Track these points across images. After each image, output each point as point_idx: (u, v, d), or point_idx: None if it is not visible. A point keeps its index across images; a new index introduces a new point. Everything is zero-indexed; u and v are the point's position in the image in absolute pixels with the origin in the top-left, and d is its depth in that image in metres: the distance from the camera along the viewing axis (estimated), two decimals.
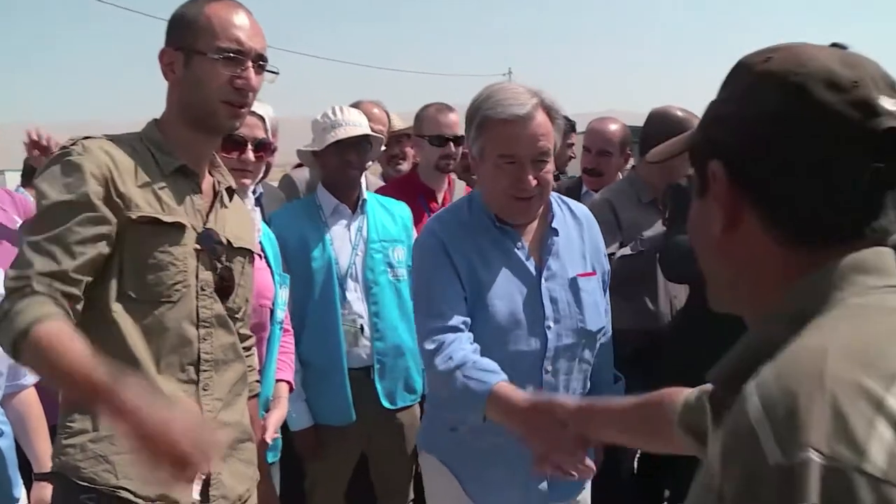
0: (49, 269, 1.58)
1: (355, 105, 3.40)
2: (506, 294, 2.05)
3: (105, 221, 1.65)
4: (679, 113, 3.34)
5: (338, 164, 2.86)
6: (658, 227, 3.27)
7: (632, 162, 4.10)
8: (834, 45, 0.91)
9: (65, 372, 1.49)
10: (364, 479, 2.97)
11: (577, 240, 2.21)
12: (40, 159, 2.69)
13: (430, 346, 1.98)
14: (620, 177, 3.84)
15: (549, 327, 2.07)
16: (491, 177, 2.06)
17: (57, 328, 1.52)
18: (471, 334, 2.00)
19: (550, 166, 2.07)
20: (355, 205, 2.92)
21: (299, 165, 4.29)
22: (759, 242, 0.89)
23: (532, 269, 2.10)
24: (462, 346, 1.95)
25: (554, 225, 2.16)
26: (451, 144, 3.42)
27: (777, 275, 0.88)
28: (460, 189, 3.69)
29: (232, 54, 1.74)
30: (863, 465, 0.65)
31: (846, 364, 0.71)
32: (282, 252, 2.65)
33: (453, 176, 3.62)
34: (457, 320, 2.00)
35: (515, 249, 2.10)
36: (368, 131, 2.89)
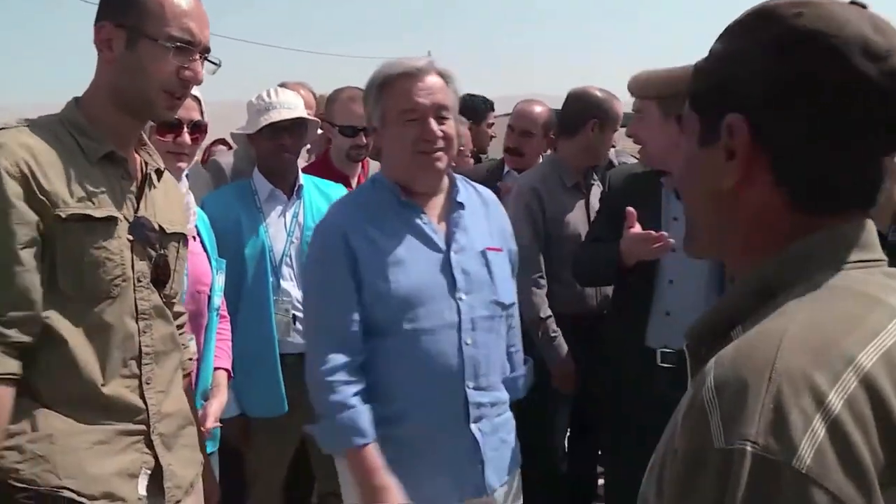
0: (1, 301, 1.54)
1: (281, 87, 3.31)
2: (411, 267, 2.03)
3: (31, 223, 1.57)
4: (598, 93, 3.41)
5: (271, 148, 2.79)
6: (581, 209, 3.36)
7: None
8: (853, 2, 0.87)
9: None
10: (304, 466, 2.94)
11: (483, 218, 2.21)
12: None
13: (323, 367, 1.98)
14: (541, 159, 3.91)
15: (460, 299, 2.05)
16: (395, 138, 2.06)
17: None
18: (362, 359, 2.01)
19: (452, 124, 2.08)
20: (291, 190, 2.86)
21: (216, 143, 4.15)
22: (767, 202, 0.87)
23: (439, 241, 2.08)
24: (352, 386, 1.98)
25: (459, 199, 2.15)
26: (363, 135, 3.35)
27: (773, 235, 0.87)
28: (375, 169, 3.64)
29: (182, 45, 1.67)
30: (791, 461, 0.70)
31: (798, 355, 0.74)
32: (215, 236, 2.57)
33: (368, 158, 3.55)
34: (352, 343, 2.00)
35: (421, 223, 2.08)
36: (303, 115, 2.83)
